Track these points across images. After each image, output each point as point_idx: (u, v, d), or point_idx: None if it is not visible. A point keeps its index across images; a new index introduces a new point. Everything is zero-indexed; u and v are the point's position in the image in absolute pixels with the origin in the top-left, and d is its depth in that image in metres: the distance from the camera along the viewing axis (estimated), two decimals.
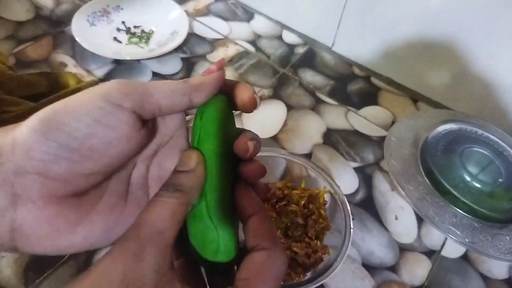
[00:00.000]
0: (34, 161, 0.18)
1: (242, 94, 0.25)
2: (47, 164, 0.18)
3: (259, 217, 0.23)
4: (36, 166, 0.18)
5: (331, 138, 0.63)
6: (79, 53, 0.70)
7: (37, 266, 0.46)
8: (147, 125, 0.23)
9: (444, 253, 0.52)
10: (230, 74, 0.71)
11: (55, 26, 0.75)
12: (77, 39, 0.67)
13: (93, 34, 0.71)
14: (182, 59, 0.73)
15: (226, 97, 0.26)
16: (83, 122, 0.19)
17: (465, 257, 0.52)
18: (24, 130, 0.18)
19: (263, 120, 0.65)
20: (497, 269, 0.51)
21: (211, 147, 0.24)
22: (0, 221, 0.19)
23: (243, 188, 0.24)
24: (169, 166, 0.25)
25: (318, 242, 0.46)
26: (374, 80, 0.74)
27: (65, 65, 0.68)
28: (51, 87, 0.61)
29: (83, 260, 0.47)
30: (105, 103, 0.19)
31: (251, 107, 0.25)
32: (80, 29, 0.70)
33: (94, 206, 0.21)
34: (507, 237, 0.48)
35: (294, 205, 0.47)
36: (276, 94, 0.69)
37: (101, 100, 0.19)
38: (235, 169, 0.25)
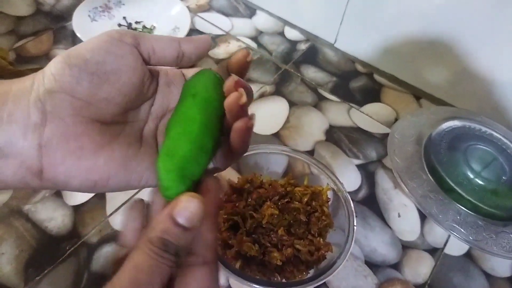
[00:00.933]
0: (61, 83, 0.22)
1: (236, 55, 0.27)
2: (73, 85, 0.22)
3: (209, 221, 0.23)
4: (64, 87, 0.22)
5: (333, 135, 0.63)
6: None
7: (37, 263, 0.46)
8: (150, 69, 0.26)
9: (447, 250, 0.51)
10: None
11: (56, 21, 0.75)
12: (78, 34, 0.67)
13: (94, 29, 0.71)
14: None
15: (218, 75, 0.27)
16: (95, 52, 0.23)
17: (468, 255, 0.51)
18: (50, 63, 0.22)
19: (265, 116, 0.64)
20: (501, 267, 0.51)
21: (196, 117, 0.24)
22: (31, 137, 0.21)
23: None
24: None
25: (321, 239, 0.45)
26: (376, 77, 0.74)
27: None
28: None
29: (84, 257, 0.47)
30: (110, 38, 0.23)
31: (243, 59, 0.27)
32: (81, 24, 0.69)
33: (115, 137, 0.24)
34: (511, 235, 0.48)
35: (297, 202, 0.47)
36: (278, 91, 0.69)
37: (106, 36, 0.23)
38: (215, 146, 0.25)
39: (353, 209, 0.45)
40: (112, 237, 0.49)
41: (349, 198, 0.46)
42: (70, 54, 0.22)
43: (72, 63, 0.22)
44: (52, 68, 0.22)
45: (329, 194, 0.49)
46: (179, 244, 0.21)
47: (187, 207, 0.21)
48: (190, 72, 0.28)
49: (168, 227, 0.20)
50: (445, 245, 0.52)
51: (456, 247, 0.52)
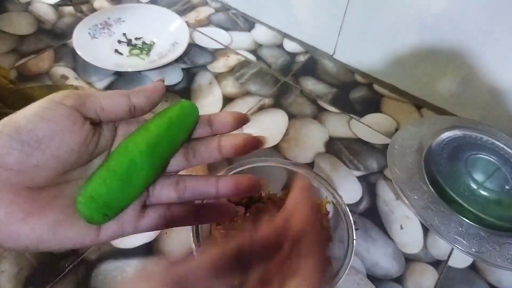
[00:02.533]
0: None
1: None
2: (2, 155, 0.21)
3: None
4: None
5: (333, 146, 0.63)
6: (81, 66, 0.71)
7: (36, 281, 0.46)
8: (98, 126, 0.26)
9: (451, 263, 0.50)
10: (231, 83, 0.71)
11: (57, 39, 0.76)
12: (78, 52, 0.67)
13: (94, 46, 0.72)
14: (183, 69, 0.73)
15: (192, 105, 0.29)
16: (30, 120, 0.22)
17: (473, 267, 0.50)
18: None
19: (264, 129, 0.64)
20: (507, 279, 0.49)
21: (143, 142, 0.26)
22: None
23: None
24: None
25: None
26: (376, 87, 0.74)
27: (66, 77, 0.69)
28: None
29: (83, 275, 0.46)
30: (48, 103, 0.23)
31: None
32: (81, 42, 0.70)
33: (48, 202, 0.24)
34: None
35: None
36: (278, 103, 0.69)
37: (46, 100, 0.23)
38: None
39: (352, 222, 0.45)
40: (111, 254, 0.48)
41: (348, 211, 0.46)
42: (7, 122, 0.22)
43: (3, 132, 0.22)
44: None
45: (329, 207, 0.49)
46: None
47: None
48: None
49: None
50: (449, 257, 0.51)
51: (460, 259, 0.51)
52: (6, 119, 0.23)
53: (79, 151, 0.24)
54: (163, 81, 0.27)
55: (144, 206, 0.28)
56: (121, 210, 0.26)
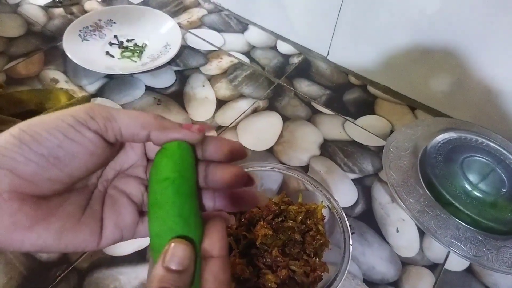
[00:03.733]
0: (7, 158, 0.21)
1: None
2: (18, 163, 0.21)
3: (221, 262, 0.23)
4: (9, 163, 0.21)
5: (328, 149, 0.62)
6: (71, 69, 0.69)
7: None
8: (113, 145, 0.25)
9: (447, 266, 0.50)
10: (224, 86, 0.70)
11: (47, 42, 0.75)
12: (68, 54, 0.66)
13: (85, 49, 0.70)
14: (176, 72, 0.72)
15: (189, 146, 0.25)
16: (53, 134, 0.22)
17: (469, 270, 0.50)
18: (4, 134, 0.22)
19: (258, 132, 0.63)
20: (504, 282, 0.49)
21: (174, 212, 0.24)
22: None
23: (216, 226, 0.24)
24: (125, 189, 0.27)
25: (317, 259, 0.44)
26: (370, 88, 0.73)
27: (56, 81, 0.67)
28: (41, 104, 0.60)
29: (74, 283, 0.45)
30: (72, 121, 0.22)
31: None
32: (72, 44, 0.69)
33: (54, 210, 0.23)
34: None
35: (291, 221, 0.46)
36: (272, 106, 0.68)
37: (70, 118, 0.22)
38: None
39: (348, 227, 0.44)
40: (103, 262, 0.47)
41: (344, 215, 0.45)
42: (27, 129, 0.22)
43: (24, 140, 0.21)
44: (5, 140, 0.21)
45: (325, 211, 0.48)
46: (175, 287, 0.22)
47: (175, 252, 0.22)
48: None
49: (163, 275, 0.22)
50: (445, 260, 0.51)
51: (457, 263, 0.50)
52: (24, 124, 0.22)
53: (94, 170, 0.25)
54: (202, 133, 0.25)
55: (142, 212, 0.28)
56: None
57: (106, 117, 0.23)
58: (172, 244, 0.22)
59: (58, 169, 0.22)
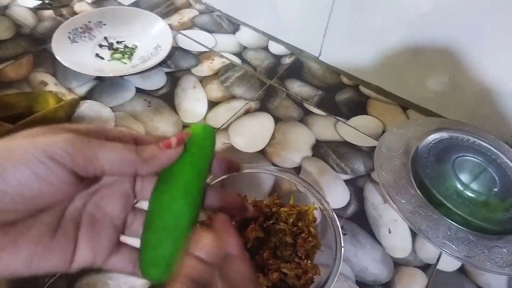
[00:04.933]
0: None
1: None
2: None
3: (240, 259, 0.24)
4: None
5: (320, 150, 0.62)
6: (61, 71, 0.69)
7: None
8: (88, 179, 0.23)
9: (440, 266, 0.50)
10: (216, 87, 0.70)
11: (36, 44, 0.74)
12: (57, 57, 0.65)
13: (75, 51, 0.70)
14: (167, 73, 0.71)
15: (212, 130, 0.27)
16: (21, 172, 0.19)
17: (462, 270, 0.50)
18: None
19: (250, 133, 0.63)
20: (496, 281, 0.49)
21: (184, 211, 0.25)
22: None
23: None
24: (107, 208, 0.25)
25: (309, 261, 0.44)
26: (362, 89, 0.73)
27: (45, 84, 0.67)
28: (30, 108, 0.59)
29: None
30: (47, 159, 0.20)
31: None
32: (61, 46, 0.68)
33: (22, 234, 0.21)
34: (504, 249, 0.46)
35: (283, 224, 0.45)
36: (263, 107, 0.68)
37: (43, 155, 0.20)
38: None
39: (340, 229, 0.44)
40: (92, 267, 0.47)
41: (336, 217, 0.45)
42: None
43: None
44: None
45: (316, 213, 0.48)
46: (204, 278, 0.22)
47: (203, 242, 0.22)
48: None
49: (192, 265, 0.22)
50: (437, 261, 0.50)
51: (449, 263, 0.50)
52: None
53: (68, 200, 0.23)
54: (181, 146, 0.24)
55: (120, 242, 0.26)
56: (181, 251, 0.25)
57: (89, 158, 0.21)
58: (200, 234, 0.23)
59: (24, 205, 0.20)
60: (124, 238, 0.27)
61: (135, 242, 0.26)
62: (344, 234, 0.52)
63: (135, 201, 0.27)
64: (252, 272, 0.23)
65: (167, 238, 0.24)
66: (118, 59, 0.71)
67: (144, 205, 0.26)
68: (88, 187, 0.25)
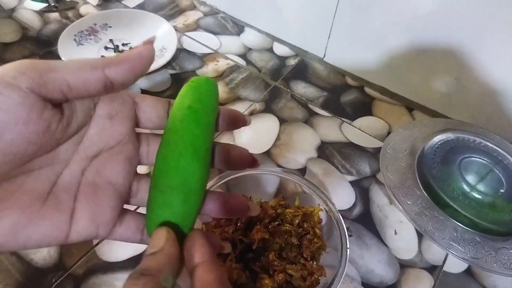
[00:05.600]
0: None
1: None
2: None
3: (205, 266, 0.21)
4: None
5: (325, 151, 0.62)
6: None
7: None
8: (61, 108, 0.20)
9: (446, 268, 0.50)
10: (221, 89, 0.70)
11: (42, 47, 0.74)
12: (63, 59, 0.66)
13: (80, 53, 0.70)
14: (172, 75, 0.72)
15: (215, 83, 0.27)
16: None
17: (468, 272, 0.50)
18: None
19: (255, 135, 0.63)
20: (503, 283, 0.49)
21: (196, 172, 0.23)
22: None
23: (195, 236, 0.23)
24: (109, 174, 0.23)
25: (314, 263, 0.44)
26: (367, 89, 0.73)
27: None
28: None
29: None
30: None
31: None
32: (67, 49, 0.69)
33: (2, 201, 0.19)
34: (511, 250, 0.46)
35: (288, 225, 0.45)
36: (268, 108, 0.68)
37: None
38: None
39: (345, 230, 0.44)
40: (99, 268, 0.47)
41: (341, 218, 0.45)
42: None
43: None
44: None
45: (322, 214, 0.48)
46: (150, 267, 0.20)
47: (152, 239, 0.21)
48: (146, 103, 0.25)
49: (143, 262, 0.20)
50: (444, 262, 0.50)
51: (456, 264, 0.50)
52: None
53: (39, 142, 0.19)
54: (152, 43, 0.22)
55: (125, 210, 0.25)
56: (194, 219, 0.24)
57: (43, 69, 0.18)
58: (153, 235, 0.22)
59: None
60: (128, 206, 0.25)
61: (142, 210, 0.24)
62: (349, 236, 0.52)
63: (143, 168, 0.26)
64: (218, 276, 0.20)
65: (176, 197, 0.22)
66: None
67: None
68: (66, 125, 0.21)
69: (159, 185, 0.23)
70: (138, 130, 0.26)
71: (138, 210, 0.25)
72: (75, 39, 0.72)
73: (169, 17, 0.84)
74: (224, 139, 0.62)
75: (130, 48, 0.75)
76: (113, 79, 0.20)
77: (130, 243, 0.25)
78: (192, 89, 0.25)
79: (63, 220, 0.21)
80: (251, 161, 0.27)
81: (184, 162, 0.22)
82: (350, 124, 0.66)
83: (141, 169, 0.50)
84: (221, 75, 0.73)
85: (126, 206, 0.25)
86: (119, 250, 0.48)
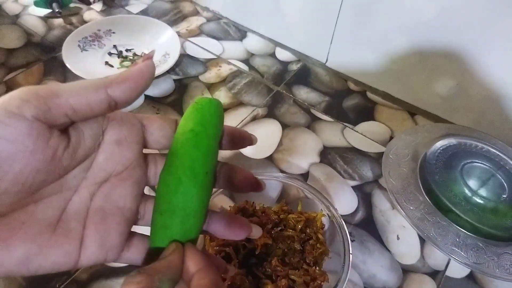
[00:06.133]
0: None
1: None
2: None
3: (200, 272, 0.21)
4: None
5: (328, 156, 0.62)
6: (70, 79, 0.70)
7: None
8: (67, 135, 0.20)
9: (449, 273, 0.50)
10: (224, 94, 0.71)
11: (47, 52, 0.75)
12: (67, 65, 0.66)
13: (84, 59, 0.71)
14: (175, 80, 0.72)
15: (219, 103, 0.27)
16: None
17: (471, 277, 0.50)
18: None
19: (258, 140, 0.63)
20: None
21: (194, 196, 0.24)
22: None
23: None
24: (118, 199, 0.23)
25: (317, 268, 0.44)
26: (370, 94, 0.73)
27: None
28: None
29: None
30: (3, 116, 0.17)
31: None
32: (71, 54, 0.69)
33: (13, 231, 0.19)
34: None
35: (291, 230, 0.46)
36: (271, 113, 0.68)
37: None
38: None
39: (348, 235, 0.44)
40: (102, 273, 0.47)
41: (344, 224, 0.45)
42: None
43: None
44: None
45: (324, 220, 0.48)
46: (149, 268, 0.21)
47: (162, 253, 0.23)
48: (153, 125, 0.25)
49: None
50: (446, 267, 0.50)
51: (458, 269, 0.50)
52: None
53: (47, 170, 0.19)
54: (152, 58, 0.22)
55: (132, 233, 0.25)
56: (194, 239, 0.24)
57: (46, 95, 0.18)
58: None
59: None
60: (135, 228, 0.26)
61: (148, 230, 0.25)
62: (352, 241, 0.52)
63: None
64: (212, 280, 0.20)
65: (174, 220, 0.23)
66: (127, 67, 0.72)
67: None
68: (76, 151, 0.21)
69: (160, 208, 0.23)
70: (146, 150, 0.26)
71: (146, 232, 0.26)
72: (79, 45, 0.73)
73: (172, 23, 0.85)
74: None
75: (134, 54, 0.75)
76: (116, 98, 0.20)
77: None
78: (195, 111, 0.25)
79: (73, 248, 0.21)
80: (256, 185, 0.27)
81: (182, 188, 0.23)
82: (352, 129, 0.67)
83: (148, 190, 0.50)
84: (223, 80, 0.73)
85: (134, 228, 0.25)
86: None
